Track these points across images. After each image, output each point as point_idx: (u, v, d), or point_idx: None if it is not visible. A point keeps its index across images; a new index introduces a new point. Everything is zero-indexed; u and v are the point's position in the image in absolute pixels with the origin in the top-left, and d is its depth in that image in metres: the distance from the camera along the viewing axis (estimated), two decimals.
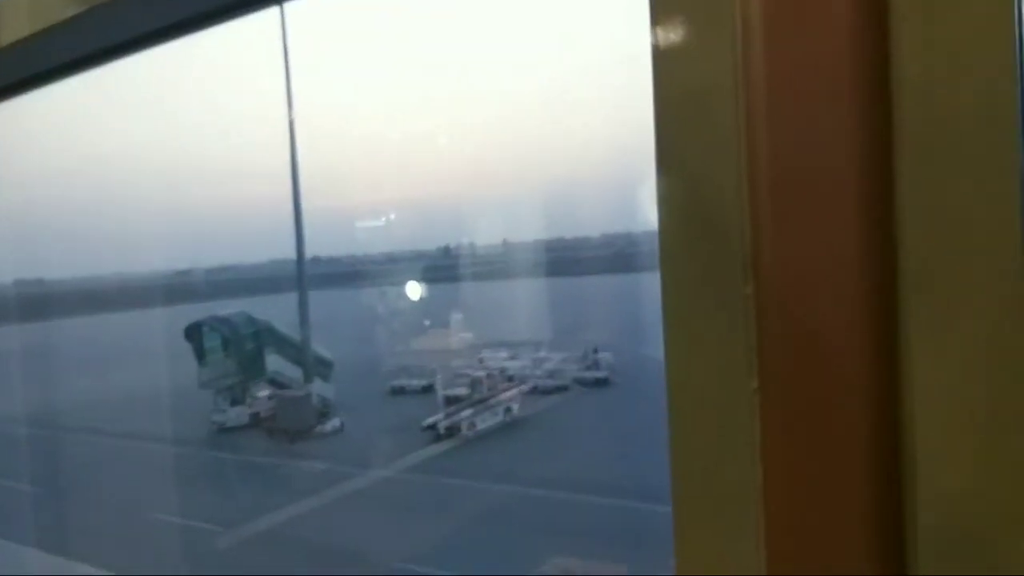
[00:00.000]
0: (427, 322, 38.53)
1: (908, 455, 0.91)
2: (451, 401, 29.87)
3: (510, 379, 31.56)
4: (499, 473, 23.88)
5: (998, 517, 0.88)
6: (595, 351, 32.55)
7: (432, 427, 27.32)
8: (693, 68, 1.01)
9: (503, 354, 34.70)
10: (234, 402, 31.41)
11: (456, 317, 39.36)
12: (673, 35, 1.02)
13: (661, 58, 1.03)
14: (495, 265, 44.91)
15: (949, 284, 0.89)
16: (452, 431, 27.18)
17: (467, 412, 28.01)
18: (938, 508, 0.90)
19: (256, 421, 30.66)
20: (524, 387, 30.74)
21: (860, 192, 0.91)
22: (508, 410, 28.73)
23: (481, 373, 31.39)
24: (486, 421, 27.95)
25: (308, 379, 32.26)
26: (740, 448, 0.99)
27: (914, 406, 0.90)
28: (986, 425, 0.88)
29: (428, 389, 32.29)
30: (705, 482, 1.03)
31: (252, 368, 32.71)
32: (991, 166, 0.86)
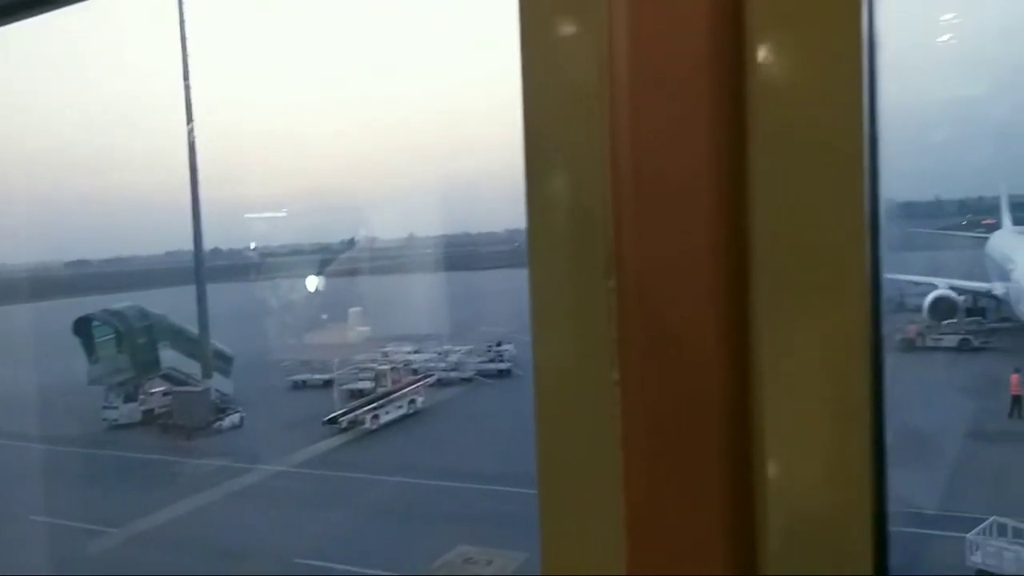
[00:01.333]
0: (324, 316, 38.03)
1: (758, 444, 0.94)
2: (355, 395, 29.77)
3: (415, 372, 31.72)
4: (403, 465, 23.97)
5: (844, 512, 0.92)
6: (498, 344, 33.01)
7: (334, 421, 27.16)
8: (560, 69, 1.03)
9: (408, 347, 34.71)
10: (127, 398, 30.25)
11: (359, 311, 39.01)
12: (541, 37, 1.04)
13: (529, 59, 1.05)
14: (401, 259, 44.65)
15: (798, 280, 0.92)
16: (355, 425, 27.14)
17: (371, 406, 27.99)
18: (785, 493, 0.94)
19: (150, 418, 29.78)
20: (429, 379, 30.86)
21: (717, 190, 0.94)
22: (412, 403, 28.91)
23: (385, 366, 31.37)
24: (390, 414, 28.01)
25: (207, 374, 31.42)
26: (602, 438, 1.01)
27: (764, 396, 0.94)
28: (831, 417, 0.92)
29: (331, 383, 31.93)
30: (569, 471, 1.05)
31: (146, 363, 31.54)
32: (839, 167, 0.90)
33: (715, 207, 0.95)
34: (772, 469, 0.94)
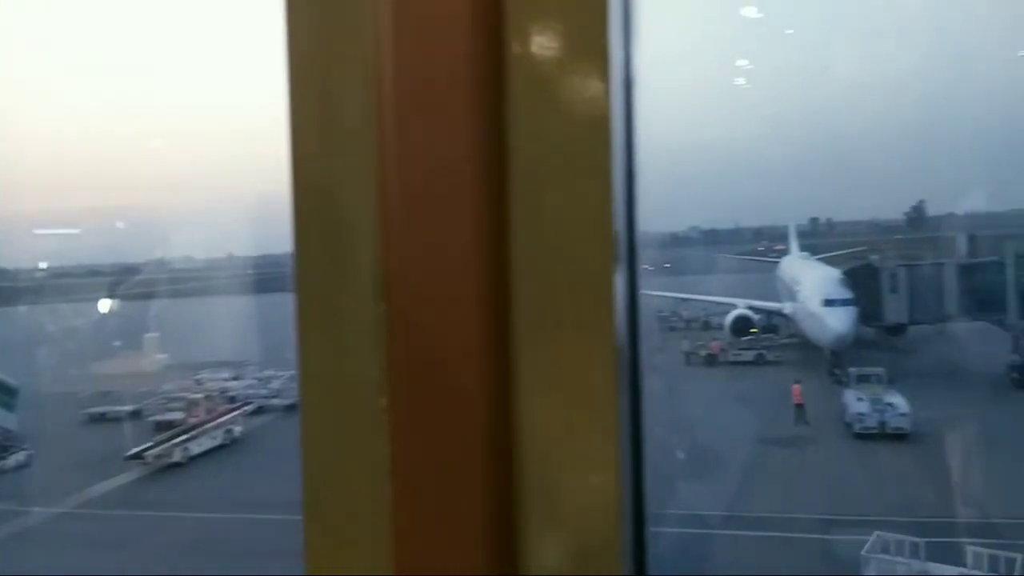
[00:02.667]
0: (127, 342, 35.19)
1: (520, 461, 0.98)
2: (163, 427, 27.55)
3: (232, 400, 29.96)
4: (212, 500, 22.56)
5: (595, 515, 0.98)
6: None
7: (138, 456, 24.98)
8: (327, 94, 1.02)
9: (225, 374, 32.95)
10: None
11: (156, 336, 36.41)
12: (307, 57, 1.03)
13: (295, 83, 1.04)
14: (217, 279, 42.38)
15: (555, 302, 0.97)
16: (163, 458, 25.07)
17: (181, 438, 25.99)
18: (546, 511, 0.98)
19: None
20: (247, 407, 29.25)
21: (480, 213, 0.97)
22: (229, 432, 27.30)
23: (198, 395, 29.30)
24: (203, 445, 26.26)
25: None
26: (369, 465, 1.00)
27: (524, 415, 0.98)
28: (585, 432, 0.98)
29: (136, 415, 29.57)
30: (336, 499, 1.04)
31: None
32: (591, 196, 0.96)
33: (478, 230, 0.97)
34: (532, 487, 0.99)
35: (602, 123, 0.97)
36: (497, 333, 0.98)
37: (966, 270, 31.61)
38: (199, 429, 26.92)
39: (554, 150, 0.97)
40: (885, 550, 16.21)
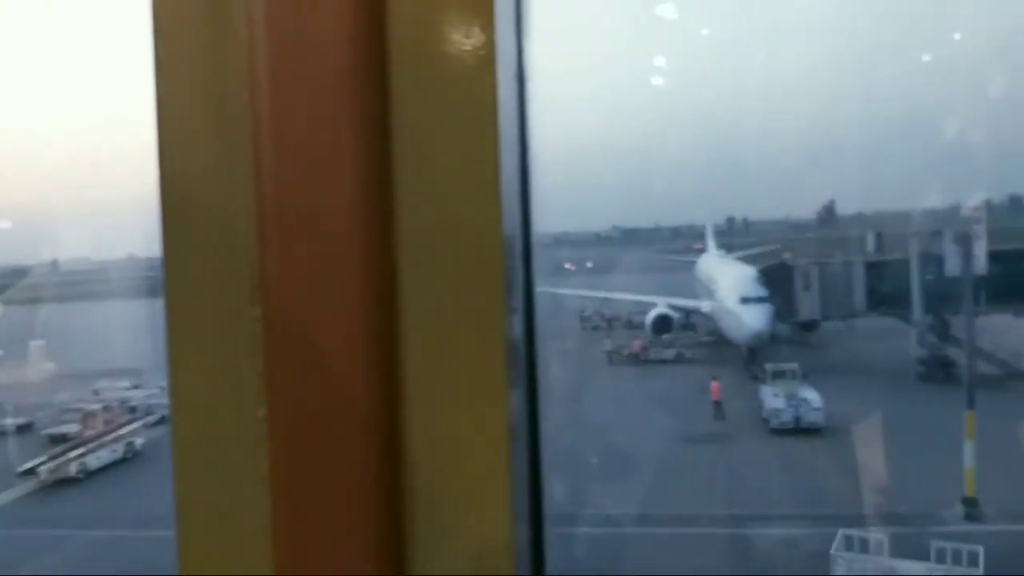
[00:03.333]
0: (13, 350, 32.97)
1: (407, 467, 0.96)
2: (57, 440, 25.87)
3: (133, 411, 28.10)
4: (106, 516, 21.22)
5: (486, 516, 0.96)
6: None
7: (31, 472, 23.39)
8: (199, 90, 0.97)
9: (125, 383, 30.92)
10: None
11: (41, 344, 34.26)
12: (178, 58, 0.98)
13: (165, 83, 0.99)
14: (116, 282, 40.20)
15: (442, 305, 0.94)
16: (57, 473, 23.51)
17: (77, 452, 24.46)
18: (435, 513, 0.96)
19: None
20: (149, 419, 27.69)
21: (362, 213, 0.92)
22: (130, 445, 25.64)
23: (96, 406, 27.51)
24: (102, 459, 24.75)
25: None
26: (247, 477, 0.96)
27: (412, 420, 0.95)
28: (474, 433, 0.96)
29: (26, 428, 27.69)
30: (211, 512, 0.99)
31: None
32: (477, 196, 0.93)
33: (361, 230, 0.94)
34: (422, 490, 0.97)
35: (489, 119, 0.94)
36: (383, 335, 0.95)
37: (873, 268, 32.83)
38: (97, 442, 25.42)
39: (440, 146, 0.95)
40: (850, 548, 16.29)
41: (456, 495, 0.97)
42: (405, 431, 0.96)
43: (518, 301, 1.00)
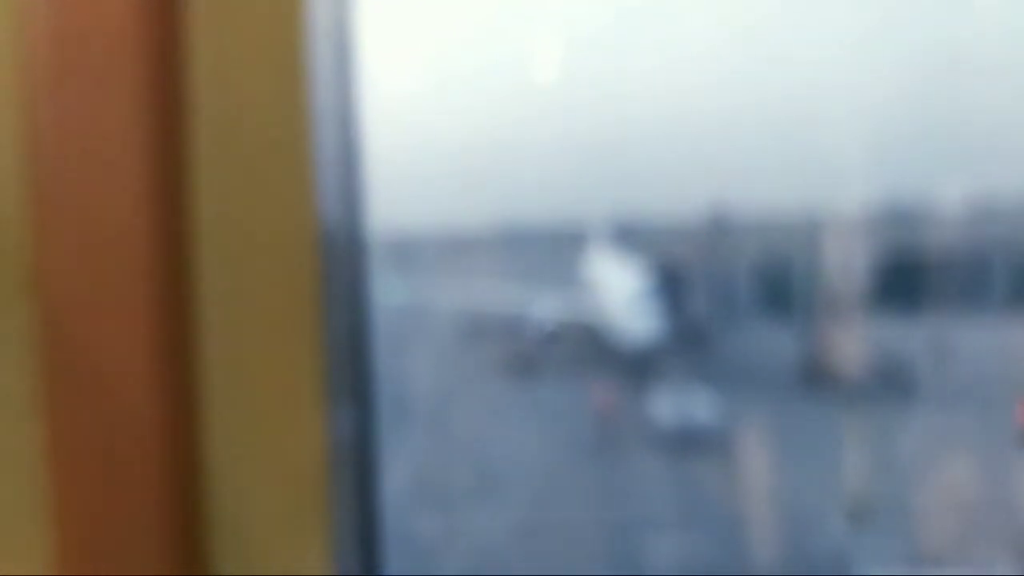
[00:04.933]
0: None
1: (205, 467, 0.90)
2: None
3: None
4: None
5: (286, 520, 0.92)
6: None
7: None
8: None
9: None
10: None
11: None
12: None
13: None
14: None
15: (251, 298, 0.89)
16: None
17: None
18: (232, 513, 0.91)
19: None
20: None
21: (154, 199, 0.85)
22: None
23: None
24: None
25: None
26: (23, 492, 0.89)
27: (209, 414, 0.90)
28: (274, 435, 0.91)
29: None
30: None
31: None
32: (283, 168, 0.87)
33: (152, 222, 0.86)
34: (220, 492, 0.91)
35: (298, 103, 0.88)
36: (177, 334, 0.88)
37: (760, 272, 33.22)
38: None
39: (243, 121, 0.89)
40: None
41: (259, 496, 0.91)
42: (202, 434, 0.90)
43: (345, 303, 0.94)
